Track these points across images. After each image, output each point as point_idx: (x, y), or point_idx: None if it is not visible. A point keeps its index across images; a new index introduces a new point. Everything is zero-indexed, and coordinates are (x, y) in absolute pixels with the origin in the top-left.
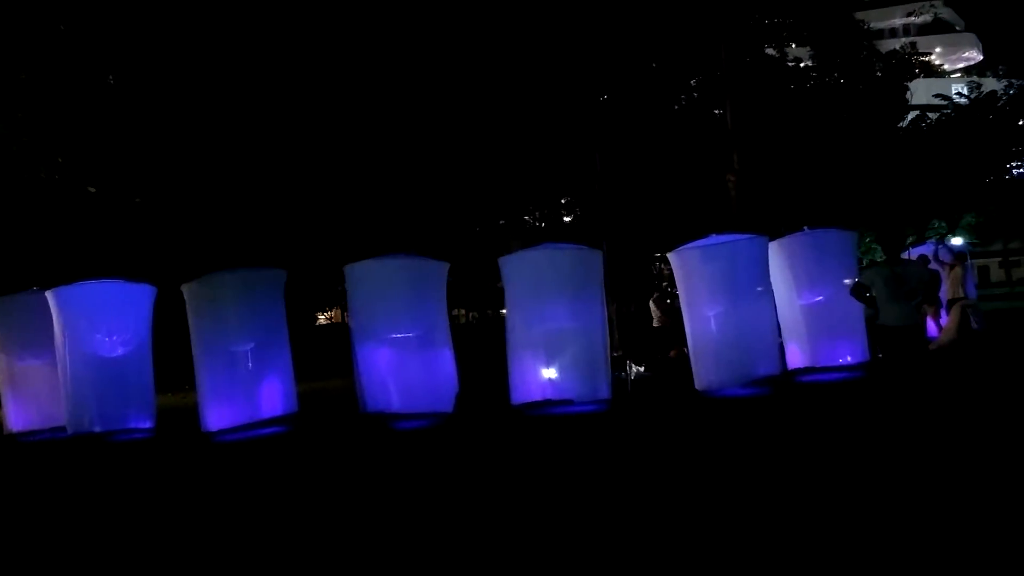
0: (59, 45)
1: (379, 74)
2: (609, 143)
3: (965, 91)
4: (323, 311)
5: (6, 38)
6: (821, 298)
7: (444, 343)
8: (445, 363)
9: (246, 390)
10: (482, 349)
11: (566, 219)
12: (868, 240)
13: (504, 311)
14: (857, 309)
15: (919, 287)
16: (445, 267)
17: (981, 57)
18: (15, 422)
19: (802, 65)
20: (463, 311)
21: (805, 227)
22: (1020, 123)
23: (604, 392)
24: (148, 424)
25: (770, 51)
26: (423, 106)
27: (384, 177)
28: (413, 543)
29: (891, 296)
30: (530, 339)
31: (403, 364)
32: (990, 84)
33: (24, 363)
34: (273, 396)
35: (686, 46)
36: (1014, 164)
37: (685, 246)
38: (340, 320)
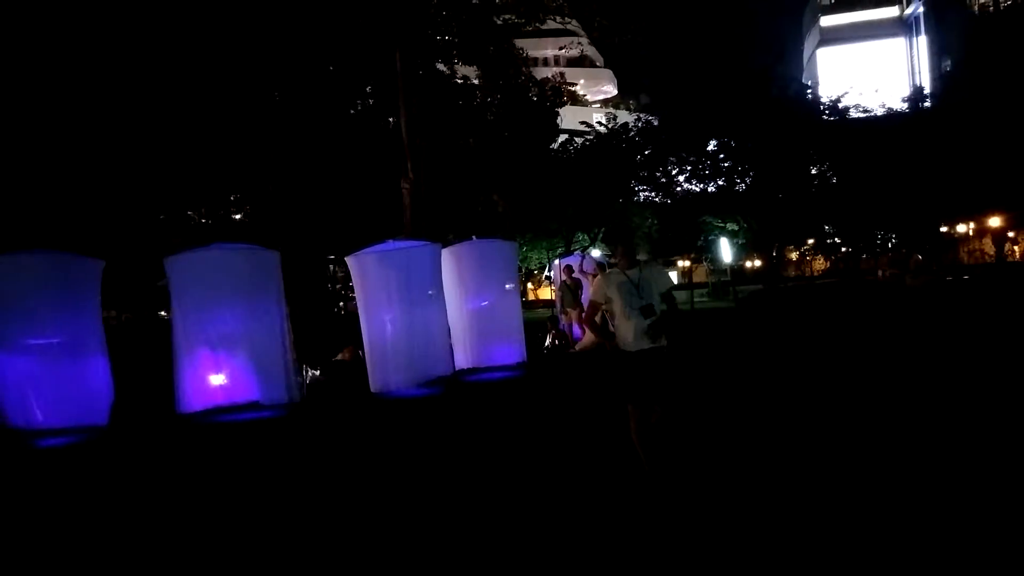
0: None
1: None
2: (283, 142)
3: (604, 120)
4: None
5: None
6: (486, 303)
7: (97, 349)
8: (98, 371)
9: None
10: (140, 354)
11: (235, 216)
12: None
13: (164, 313)
14: (516, 313)
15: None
16: (99, 265)
17: (616, 92)
18: None
19: (469, 83)
20: (113, 312)
21: (473, 236)
22: (646, 152)
23: (284, 396)
24: None
25: (441, 67)
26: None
27: (18, 162)
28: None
29: (628, 309)
30: (202, 343)
31: (47, 373)
32: (623, 116)
33: None
34: None
35: (362, 51)
36: (638, 186)
37: (363, 251)
38: None
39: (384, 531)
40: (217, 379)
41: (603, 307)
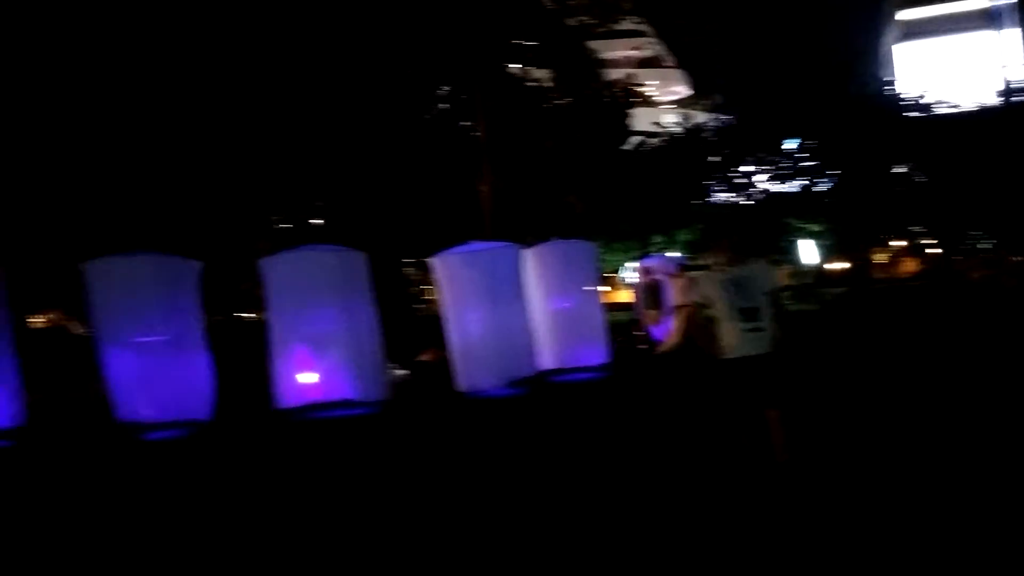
0: None
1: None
2: (362, 148)
3: (678, 121)
4: (39, 313)
5: None
6: (568, 304)
7: (199, 346)
8: (200, 368)
9: None
10: (235, 354)
11: (315, 222)
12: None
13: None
14: (599, 314)
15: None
16: (197, 266)
17: (688, 92)
18: None
19: (543, 85)
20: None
21: (553, 237)
22: (725, 152)
23: (378, 393)
24: None
25: (515, 69)
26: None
27: (118, 169)
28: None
29: (730, 311)
30: (296, 342)
31: (154, 370)
32: (697, 116)
33: None
34: None
35: (438, 57)
36: (715, 186)
37: (447, 251)
38: (61, 324)
39: (475, 528)
40: (311, 376)
41: (692, 308)
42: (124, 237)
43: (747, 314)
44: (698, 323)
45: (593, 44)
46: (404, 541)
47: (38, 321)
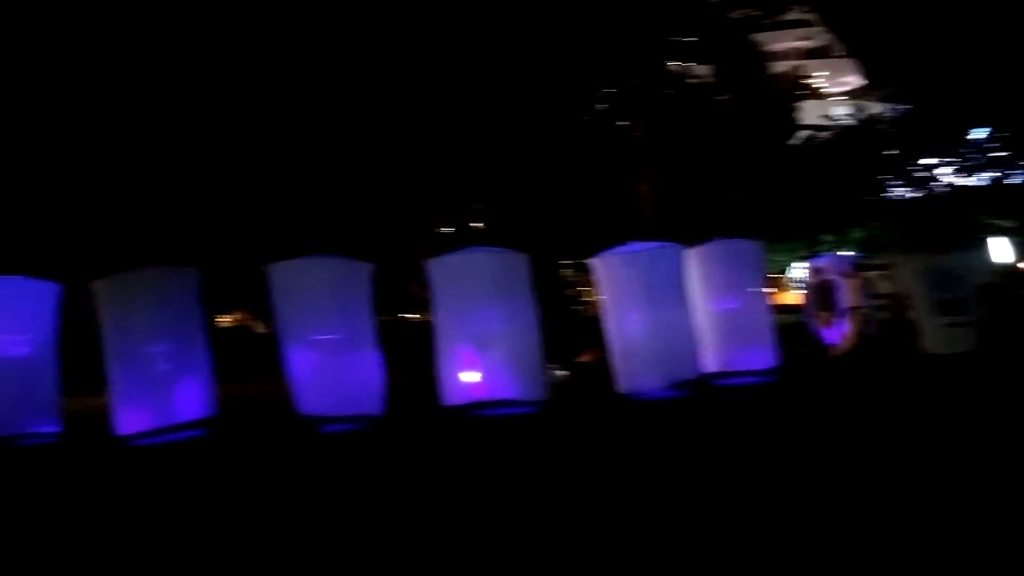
0: None
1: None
2: (522, 152)
3: (850, 113)
4: (227, 313)
5: None
6: (733, 305)
7: (371, 344)
8: (372, 365)
9: (161, 392)
10: (402, 352)
11: (475, 225)
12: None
13: (416, 315)
14: (766, 316)
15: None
16: (369, 268)
17: (862, 82)
18: None
19: (704, 82)
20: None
21: (716, 237)
22: (903, 144)
23: (538, 393)
24: (53, 428)
25: (675, 66)
26: (341, 110)
27: (295, 179)
28: (344, 548)
29: (929, 305)
30: (461, 341)
31: (329, 366)
32: (870, 107)
33: None
34: (190, 399)
35: (599, 58)
36: (892, 182)
37: (608, 252)
38: (246, 323)
39: (636, 530)
40: (474, 375)
41: (868, 309)
42: (303, 241)
43: (949, 308)
44: (894, 319)
45: (758, 36)
46: (563, 537)
47: (225, 320)
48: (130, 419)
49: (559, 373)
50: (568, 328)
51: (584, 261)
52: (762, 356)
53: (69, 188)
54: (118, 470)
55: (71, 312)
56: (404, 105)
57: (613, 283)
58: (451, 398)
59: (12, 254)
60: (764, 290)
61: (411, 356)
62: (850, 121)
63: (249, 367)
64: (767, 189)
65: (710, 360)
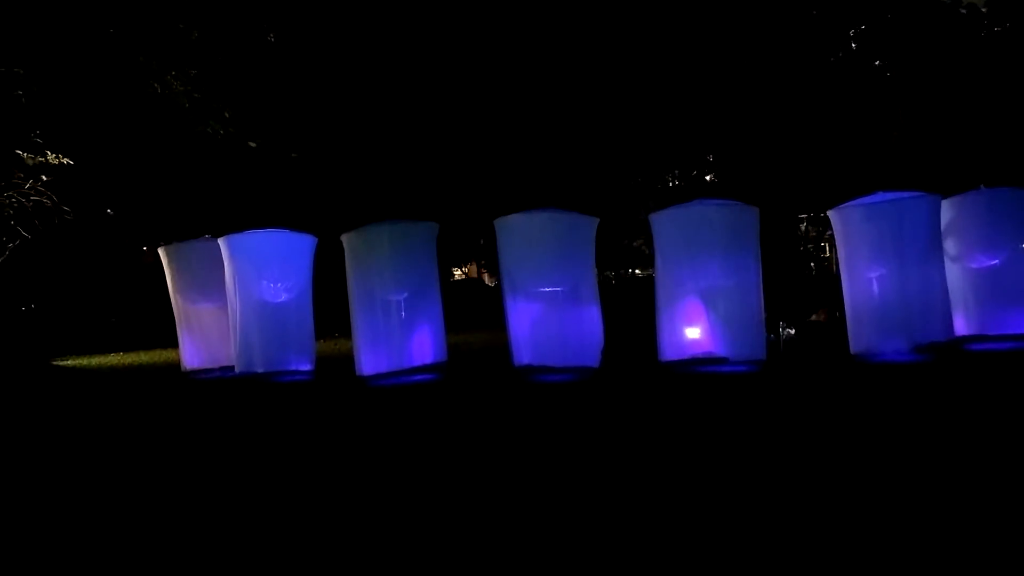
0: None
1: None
2: (759, 96)
3: None
4: (459, 267)
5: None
6: (996, 262)
7: (591, 298)
8: (592, 318)
9: (399, 338)
10: (623, 307)
11: (707, 178)
12: None
13: (638, 271)
14: None
15: None
16: (594, 222)
17: None
18: (190, 360)
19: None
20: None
21: (981, 185)
22: None
23: (758, 352)
24: (308, 367)
25: None
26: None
27: (527, 134)
28: (559, 495)
29: None
30: (682, 296)
31: (551, 318)
32: None
33: (197, 306)
34: (425, 345)
35: None
36: None
37: (847, 203)
38: (475, 276)
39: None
40: (695, 331)
41: None
42: (530, 195)
43: None
44: None
45: None
46: (762, 501)
47: (458, 273)
48: (370, 361)
49: (787, 331)
50: (800, 285)
51: (823, 214)
52: None
53: (330, 159)
54: (360, 407)
55: (324, 262)
56: (632, 50)
57: (852, 238)
58: (669, 353)
59: (274, 209)
60: None
61: (632, 311)
62: None
63: (479, 317)
64: None
65: (963, 322)
